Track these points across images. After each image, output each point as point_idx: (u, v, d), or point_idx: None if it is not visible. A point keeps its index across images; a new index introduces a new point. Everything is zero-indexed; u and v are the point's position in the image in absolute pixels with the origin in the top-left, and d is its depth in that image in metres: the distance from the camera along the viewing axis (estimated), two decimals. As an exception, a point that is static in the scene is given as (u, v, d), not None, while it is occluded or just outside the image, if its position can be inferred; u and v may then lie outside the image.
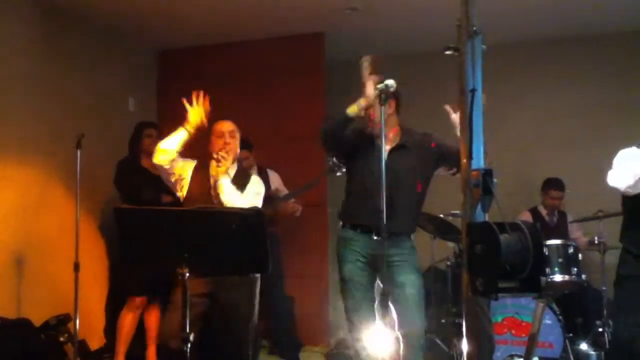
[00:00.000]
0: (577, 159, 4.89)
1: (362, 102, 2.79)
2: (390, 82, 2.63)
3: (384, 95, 2.58)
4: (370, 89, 2.75)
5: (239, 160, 3.31)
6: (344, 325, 3.07)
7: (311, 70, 5.07)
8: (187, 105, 3.06)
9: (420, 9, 4.45)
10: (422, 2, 4.35)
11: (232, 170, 3.13)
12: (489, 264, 1.44)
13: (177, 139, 3.05)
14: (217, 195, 2.99)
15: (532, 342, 2.11)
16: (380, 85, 2.60)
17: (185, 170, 3.10)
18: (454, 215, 4.20)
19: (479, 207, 1.57)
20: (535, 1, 4.44)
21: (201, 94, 3.05)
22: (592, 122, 5.08)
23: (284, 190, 4.55)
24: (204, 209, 2.52)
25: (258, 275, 3.06)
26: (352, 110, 2.79)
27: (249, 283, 3.03)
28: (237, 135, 3.15)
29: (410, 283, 2.85)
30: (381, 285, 2.87)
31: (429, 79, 5.10)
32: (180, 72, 5.37)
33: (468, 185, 1.59)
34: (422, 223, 4.23)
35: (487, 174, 1.57)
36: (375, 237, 2.80)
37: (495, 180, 1.59)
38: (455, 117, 2.74)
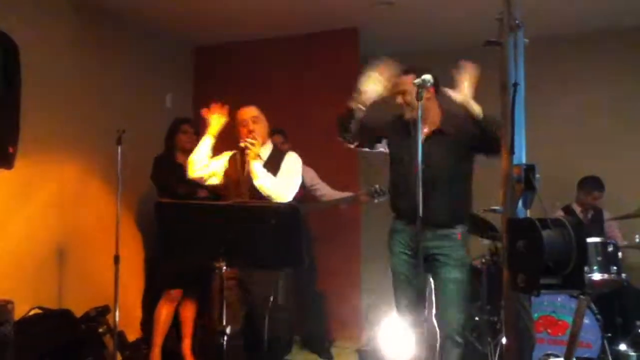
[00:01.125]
0: (615, 156, 4.77)
1: (359, 95, 2.85)
2: (427, 77, 2.62)
3: (421, 90, 2.58)
4: (367, 85, 2.85)
5: (273, 143, 3.34)
6: (376, 321, 3.08)
7: (345, 65, 5.06)
8: (209, 114, 3.20)
9: (456, 2, 4.40)
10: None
11: (266, 152, 3.18)
12: (531, 260, 1.42)
13: (204, 148, 3.17)
14: (251, 180, 3.04)
15: (573, 341, 2.08)
16: (417, 80, 2.60)
17: (218, 167, 3.19)
18: (493, 211, 4.13)
19: (520, 203, 1.55)
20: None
21: (219, 104, 3.22)
22: (633, 118, 4.94)
23: (321, 183, 4.56)
24: (241, 203, 2.56)
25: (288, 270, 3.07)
26: (354, 103, 2.85)
27: (275, 276, 3.03)
28: (262, 119, 3.23)
29: (453, 279, 2.81)
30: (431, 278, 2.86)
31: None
32: (215, 69, 5.44)
33: (509, 181, 1.57)
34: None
35: (530, 169, 1.55)
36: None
37: (537, 175, 1.57)
38: (456, 95, 2.68)
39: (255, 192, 3.04)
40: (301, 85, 5.16)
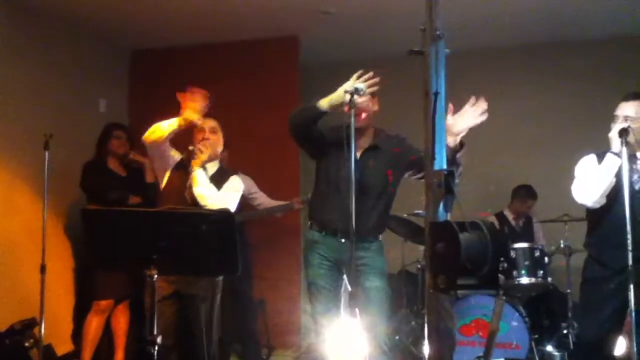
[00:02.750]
0: (544, 163, 5.01)
1: (334, 98, 2.72)
2: (360, 85, 2.64)
3: (354, 98, 2.59)
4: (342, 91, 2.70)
5: (221, 160, 3.29)
6: (314, 329, 3.07)
7: (285, 73, 5.10)
8: (184, 99, 3.04)
9: (388, 12, 4.50)
10: (392, 6, 4.38)
11: (213, 168, 3.13)
12: (450, 262, 1.48)
13: (168, 123, 3.02)
14: (191, 187, 2.98)
15: (491, 340, 2.16)
16: (349, 88, 2.60)
17: (174, 156, 3.11)
18: (416, 214, 4.25)
19: (441, 207, 1.61)
20: (504, 9, 4.54)
21: (200, 90, 3.08)
22: (557, 127, 5.21)
23: (258, 192, 4.56)
24: (173, 209, 2.51)
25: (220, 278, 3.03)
26: (323, 104, 2.72)
27: (212, 285, 2.99)
28: (220, 134, 3.17)
29: (375, 287, 2.84)
30: (349, 287, 2.86)
31: (400, 82, 5.17)
32: (152, 74, 5.34)
33: (431, 186, 1.63)
34: (393, 226, 4.28)
35: (449, 174, 1.60)
36: (342, 240, 2.79)
37: (457, 180, 1.63)
38: (450, 120, 2.53)
39: (196, 202, 2.98)
40: (241, 92, 5.14)
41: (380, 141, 2.97)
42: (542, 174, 4.92)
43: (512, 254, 4.09)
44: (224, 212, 2.52)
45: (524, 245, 4.15)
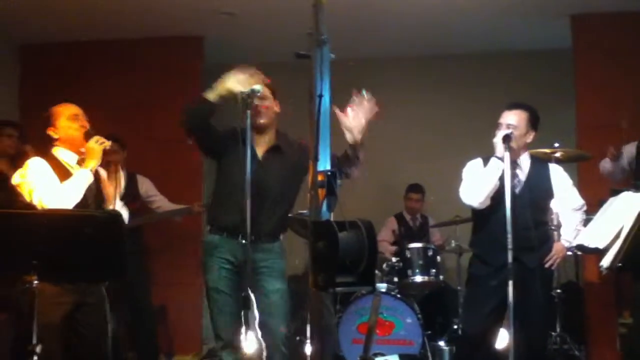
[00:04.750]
0: (436, 168, 5.23)
1: (221, 90, 2.69)
2: (257, 87, 2.62)
3: (249, 101, 2.58)
4: (231, 83, 2.68)
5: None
6: (215, 334, 3.00)
7: (188, 73, 5.00)
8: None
9: (286, 17, 4.52)
10: (288, 9, 4.37)
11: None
12: (330, 260, 1.52)
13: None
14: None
15: (370, 335, 2.24)
16: (245, 90, 2.58)
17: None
18: (301, 214, 4.26)
19: (324, 206, 1.65)
20: (399, 20, 4.74)
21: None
22: (448, 134, 5.49)
23: (158, 195, 4.44)
24: (52, 211, 2.39)
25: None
26: (210, 95, 2.69)
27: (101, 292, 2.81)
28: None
29: (276, 290, 2.82)
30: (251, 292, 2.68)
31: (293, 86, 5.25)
32: (45, 70, 5.06)
33: (314, 186, 1.67)
34: (296, 228, 4.32)
35: (332, 175, 1.65)
36: (243, 241, 2.62)
37: (339, 181, 1.68)
38: (346, 120, 2.53)
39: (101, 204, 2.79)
40: (141, 91, 4.99)
41: (282, 143, 2.94)
42: (435, 177, 5.13)
43: (407, 253, 4.34)
44: (111, 213, 2.43)
45: (418, 245, 4.40)
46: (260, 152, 2.89)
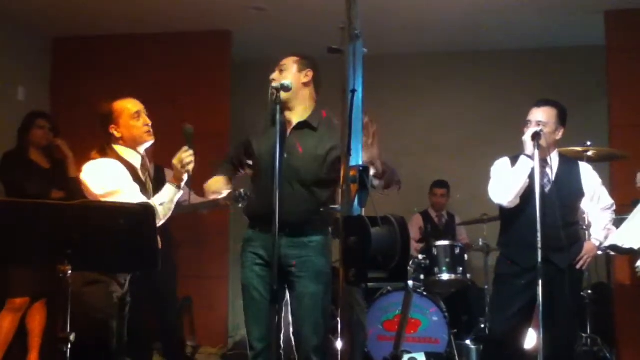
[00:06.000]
0: (465, 166, 5.20)
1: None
2: (287, 82, 2.58)
3: (278, 95, 2.50)
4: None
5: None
6: (242, 327, 2.94)
7: (217, 67, 5.05)
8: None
9: (319, 12, 4.52)
10: (318, 3, 4.35)
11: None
12: (361, 255, 1.51)
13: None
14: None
15: (400, 331, 2.22)
16: (275, 84, 2.54)
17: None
18: (333, 209, 4.25)
19: (356, 201, 1.64)
20: (427, 17, 4.69)
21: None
22: (478, 132, 5.43)
23: (184, 188, 4.47)
24: (86, 202, 2.43)
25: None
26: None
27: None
28: None
29: (309, 294, 2.51)
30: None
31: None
32: (76, 63, 5.14)
33: (346, 181, 1.66)
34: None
35: (364, 170, 1.64)
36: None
37: (371, 177, 1.67)
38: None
39: None
40: (170, 85, 5.04)
41: (314, 119, 2.60)
42: (463, 175, 5.10)
43: (434, 251, 4.31)
44: (143, 205, 2.46)
45: (445, 242, 4.36)
46: (288, 129, 2.63)
